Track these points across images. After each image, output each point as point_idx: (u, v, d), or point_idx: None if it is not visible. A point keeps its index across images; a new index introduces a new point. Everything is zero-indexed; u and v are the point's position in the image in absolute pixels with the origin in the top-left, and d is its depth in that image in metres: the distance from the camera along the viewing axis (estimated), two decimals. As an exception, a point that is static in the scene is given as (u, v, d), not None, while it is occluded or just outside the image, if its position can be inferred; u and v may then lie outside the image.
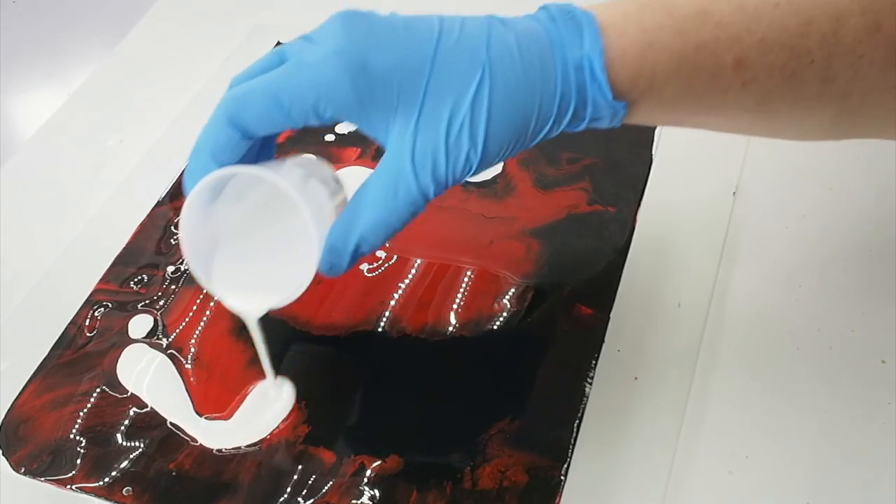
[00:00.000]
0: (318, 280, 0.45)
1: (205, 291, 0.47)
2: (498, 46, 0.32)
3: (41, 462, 0.41)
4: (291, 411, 0.42)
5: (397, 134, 0.32)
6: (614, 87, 0.33)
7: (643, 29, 0.32)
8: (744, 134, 0.37)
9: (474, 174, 0.33)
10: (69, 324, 0.47)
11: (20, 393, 0.44)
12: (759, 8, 0.32)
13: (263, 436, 0.42)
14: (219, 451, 0.41)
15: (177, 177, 0.53)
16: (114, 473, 0.41)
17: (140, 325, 0.46)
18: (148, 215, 0.52)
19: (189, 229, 0.34)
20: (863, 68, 0.32)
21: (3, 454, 0.42)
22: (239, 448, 0.41)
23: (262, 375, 0.42)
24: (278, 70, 0.32)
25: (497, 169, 0.52)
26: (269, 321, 0.43)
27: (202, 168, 0.33)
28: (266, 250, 0.37)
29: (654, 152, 0.53)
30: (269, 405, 0.43)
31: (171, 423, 0.42)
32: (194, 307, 0.47)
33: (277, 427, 0.42)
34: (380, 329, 0.45)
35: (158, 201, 0.52)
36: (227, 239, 0.36)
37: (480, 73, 0.31)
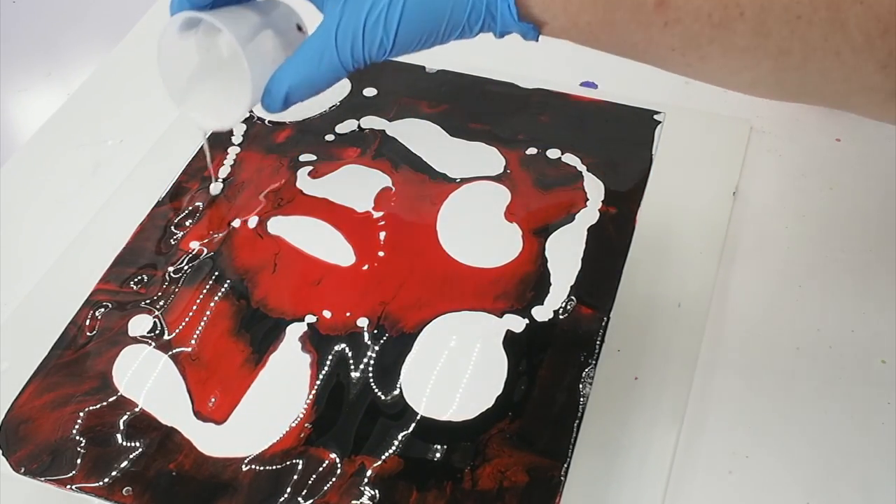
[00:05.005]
0: (317, 280, 0.45)
1: (204, 292, 0.47)
2: None
3: (41, 462, 0.41)
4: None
5: (329, 9, 0.38)
6: (522, 8, 0.37)
7: None
8: (684, 75, 0.38)
9: (388, 58, 0.39)
10: (69, 324, 0.47)
11: (20, 393, 0.44)
12: None
13: (262, 447, 0.42)
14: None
15: (177, 177, 0.53)
16: (114, 473, 0.41)
17: (140, 325, 0.46)
18: (148, 215, 0.52)
19: (165, 53, 0.42)
20: (800, 27, 0.33)
21: (3, 454, 0.41)
22: (237, 457, 0.41)
23: (255, 376, 0.42)
24: None
25: (500, 166, 0.52)
26: (270, 319, 0.43)
27: (180, 3, 0.40)
28: (224, 82, 0.44)
29: (654, 152, 0.53)
30: None
31: (169, 425, 0.42)
32: (194, 307, 0.47)
33: (279, 437, 0.42)
34: (380, 328, 0.45)
35: (158, 201, 0.52)
36: (199, 67, 0.45)
37: None
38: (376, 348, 0.44)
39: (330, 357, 0.44)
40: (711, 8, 0.33)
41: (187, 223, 0.51)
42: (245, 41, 0.40)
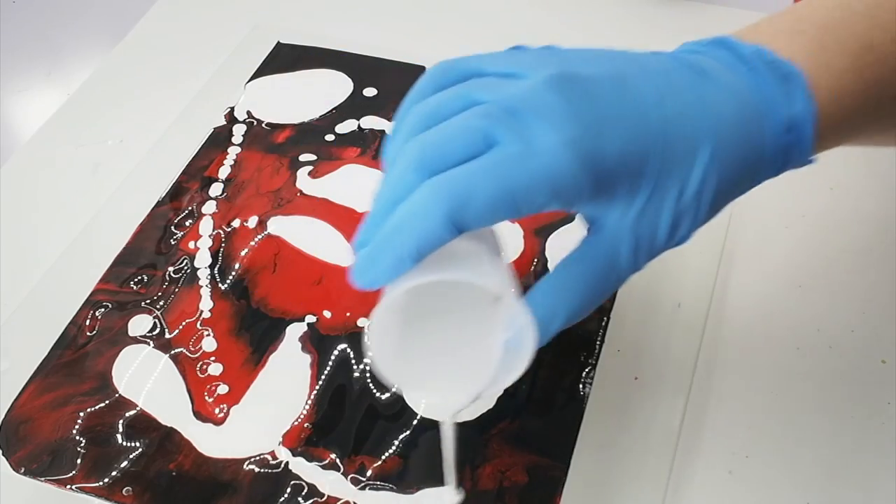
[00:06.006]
0: (317, 280, 0.45)
1: (204, 292, 0.47)
2: (715, 109, 0.30)
3: (41, 462, 0.41)
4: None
5: (618, 217, 0.30)
6: (814, 146, 0.32)
7: (844, 82, 0.31)
8: None
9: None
10: (69, 324, 0.47)
11: (20, 393, 0.44)
12: None
13: (262, 447, 0.42)
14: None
15: (177, 177, 0.53)
16: (114, 473, 0.41)
17: (140, 325, 0.46)
18: (148, 215, 0.52)
19: (379, 336, 0.31)
20: None
21: (3, 454, 0.41)
22: (236, 458, 0.41)
23: (255, 376, 0.42)
24: (500, 158, 0.28)
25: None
26: (270, 319, 0.43)
27: (397, 265, 0.29)
28: (457, 341, 0.33)
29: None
30: None
31: (169, 425, 0.42)
32: (194, 307, 0.47)
33: (279, 438, 0.42)
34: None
35: (158, 201, 0.52)
36: (412, 337, 0.33)
37: (708, 148, 0.30)
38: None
39: (330, 357, 0.44)
40: None
41: (187, 223, 0.51)
42: (505, 286, 0.30)
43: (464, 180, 0.28)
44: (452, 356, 0.33)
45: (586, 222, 0.32)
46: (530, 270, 0.47)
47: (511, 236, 0.49)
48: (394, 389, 0.32)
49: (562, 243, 0.49)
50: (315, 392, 0.43)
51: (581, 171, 0.28)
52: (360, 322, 0.45)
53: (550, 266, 0.47)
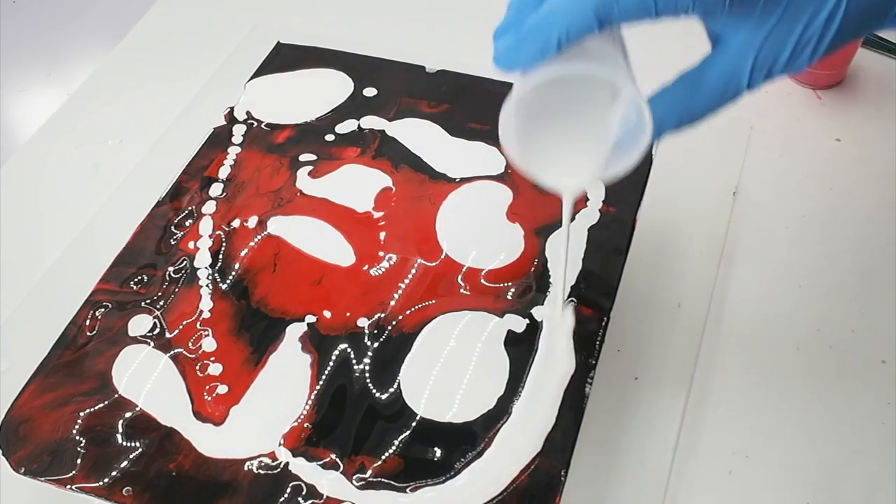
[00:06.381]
0: (317, 280, 0.45)
1: (204, 292, 0.47)
2: None
3: (41, 462, 0.41)
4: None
5: (746, 34, 0.32)
6: None
7: None
8: None
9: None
10: (69, 324, 0.47)
11: (20, 393, 0.44)
12: None
13: (262, 447, 0.42)
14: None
15: (177, 177, 0.53)
16: (114, 473, 0.41)
17: (140, 325, 0.46)
18: (148, 215, 0.52)
19: (509, 121, 0.33)
20: None
21: (3, 454, 0.41)
22: (236, 459, 0.41)
23: (255, 376, 0.42)
24: None
25: (501, 166, 0.52)
26: (270, 319, 0.43)
27: (543, 49, 0.31)
28: (577, 131, 0.36)
29: (654, 152, 0.53)
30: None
31: (169, 425, 0.42)
32: (194, 307, 0.47)
33: (279, 438, 0.42)
34: (380, 328, 0.45)
35: (158, 201, 0.52)
36: (538, 125, 0.36)
37: None
38: (376, 348, 0.44)
39: (330, 357, 0.44)
40: None
41: (187, 223, 0.51)
42: (630, 80, 0.32)
43: None
44: (572, 144, 0.36)
45: (711, 40, 0.34)
46: (530, 270, 0.47)
47: (511, 236, 0.49)
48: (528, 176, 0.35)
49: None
50: (315, 392, 0.43)
51: None
52: (360, 322, 0.45)
53: (551, 266, 0.47)
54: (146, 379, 0.44)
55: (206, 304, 0.47)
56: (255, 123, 0.56)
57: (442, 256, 0.48)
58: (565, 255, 0.40)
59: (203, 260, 0.49)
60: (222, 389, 0.43)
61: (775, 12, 0.32)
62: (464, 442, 0.41)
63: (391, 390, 0.43)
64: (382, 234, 0.49)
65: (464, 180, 0.52)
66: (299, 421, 0.42)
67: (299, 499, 0.40)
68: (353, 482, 0.40)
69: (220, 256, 0.49)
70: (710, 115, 0.34)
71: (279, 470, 0.41)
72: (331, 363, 0.44)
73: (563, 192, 0.38)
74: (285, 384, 0.43)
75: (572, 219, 0.38)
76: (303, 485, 0.40)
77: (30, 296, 0.49)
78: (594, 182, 0.37)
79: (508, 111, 0.33)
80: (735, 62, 0.33)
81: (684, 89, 0.34)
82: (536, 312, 0.45)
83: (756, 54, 0.32)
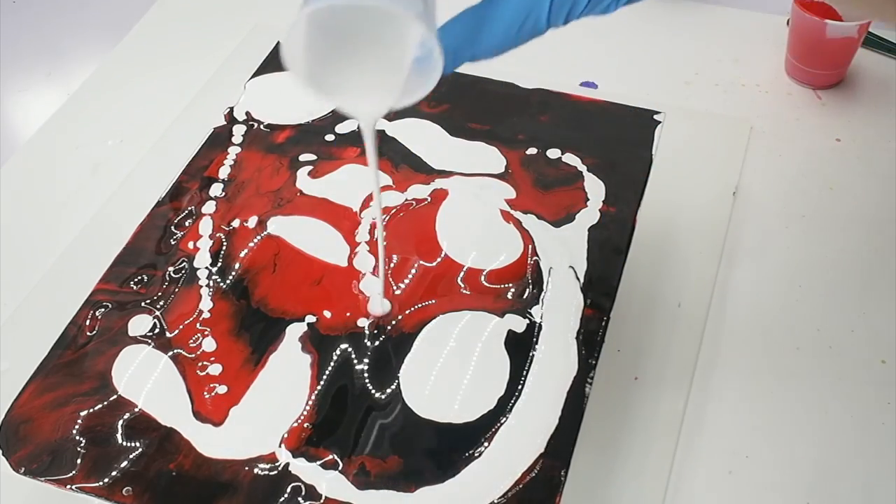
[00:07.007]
0: (317, 280, 0.45)
1: (204, 292, 0.47)
2: None
3: (41, 462, 0.41)
4: None
5: None
6: None
7: None
8: None
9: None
10: (69, 324, 0.47)
11: (20, 393, 0.44)
12: None
13: (262, 448, 0.42)
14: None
15: (177, 177, 0.53)
16: (114, 473, 0.41)
17: (140, 325, 0.46)
18: (148, 215, 0.52)
19: (294, 41, 0.33)
20: None
21: (3, 454, 0.41)
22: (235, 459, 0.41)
23: (255, 376, 0.42)
24: None
25: (501, 166, 0.52)
26: (270, 319, 0.42)
27: None
28: (372, 58, 0.36)
29: (654, 152, 0.53)
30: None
31: (169, 425, 0.42)
32: (194, 307, 0.47)
33: (279, 438, 0.42)
34: (380, 328, 0.45)
35: (158, 201, 0.52)
36: (331, 50, 0.36)
37: None
38: (376, 348, 0.44)
39: (330, 357, 0.44)
40: None
41: (187, 223, 0.51)
42: (422, 17, 0.32)
43: None
44: (368, 72, 0.36)
45: None
46: (527, 270, 0.47)
47: (511, 236, 0.49)
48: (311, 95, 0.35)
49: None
50: (315, 392, 0.43)
51: None
52: (360, 322, 0.45)
53: (542, 265, 0.47)
54: (146, 379, 0.44)
55: (205, 305, 0.47)
56: (255, 123, 0.56)
57: (441, 256, 0.48)
58: (377, 199, 0.40)
59: (203, 260, 0.49)
60: (222, 389, 0.43)
61: None
62: (464, 442, 0.41)
63: (391, 390, 0.43)
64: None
65: (464, 180, 0.52)
66: (299, 421, 0.42)
67: (299, 499, 0.40)
68: (353, 482, 0.40)
69: (220, 256, 0.49)
70: (507, 48, 0.34)
71: (279, 470, 0.41)
72: (331, 363, 0.44)
73: (358, 116, 0.38)
74: (285, 384, 0.43)
75: (378, 153, 0.40)
76: (303, 485, 0.40)
77: (30, 296, 0.49)
78: (386, 107, 0.36)
79: (293, 35, 0.33)
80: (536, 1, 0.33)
81: (475, 21, 0.33)
82: (536, 312, 0.45)
83: None
